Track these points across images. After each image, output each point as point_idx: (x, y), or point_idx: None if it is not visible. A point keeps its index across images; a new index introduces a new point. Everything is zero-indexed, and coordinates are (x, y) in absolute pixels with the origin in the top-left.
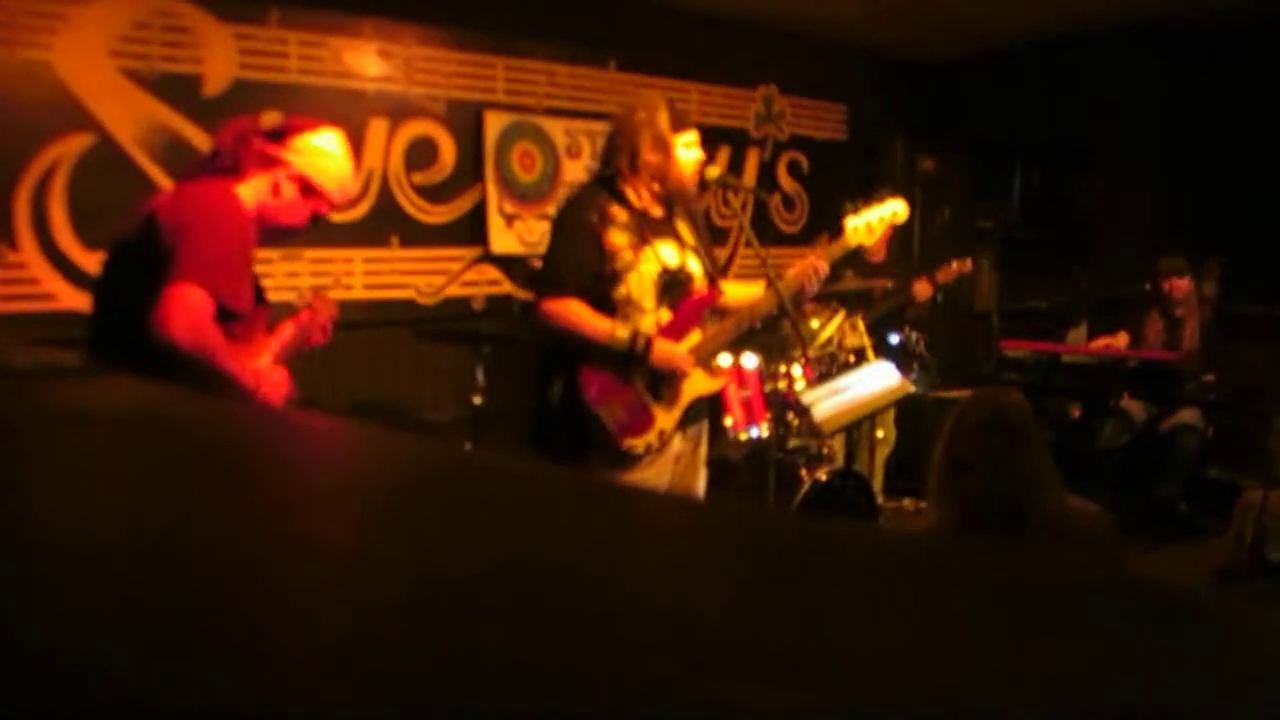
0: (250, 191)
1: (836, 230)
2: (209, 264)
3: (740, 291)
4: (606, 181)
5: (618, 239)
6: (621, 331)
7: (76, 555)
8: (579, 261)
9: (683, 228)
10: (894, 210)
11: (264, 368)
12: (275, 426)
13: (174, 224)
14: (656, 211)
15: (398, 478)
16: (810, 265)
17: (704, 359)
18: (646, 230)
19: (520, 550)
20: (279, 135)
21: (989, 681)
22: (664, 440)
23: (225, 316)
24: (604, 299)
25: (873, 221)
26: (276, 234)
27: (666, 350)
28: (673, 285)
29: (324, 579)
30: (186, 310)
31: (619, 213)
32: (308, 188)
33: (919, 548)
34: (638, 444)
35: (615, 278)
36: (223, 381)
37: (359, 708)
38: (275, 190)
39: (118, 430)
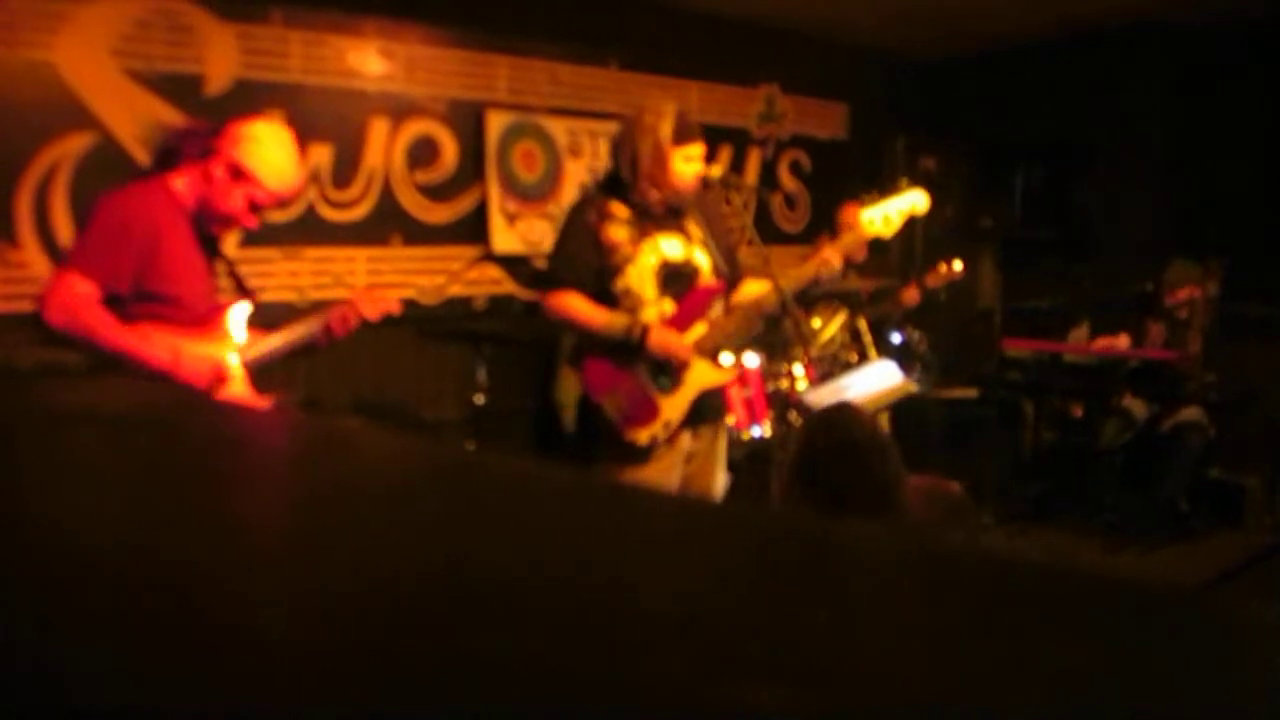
0: (184, 183)
1: (835, 229)
2: (91, 252)
3: (749, 289)
4: (611, 180)
5: (617, 234)
6: (618, 320)
7: (73, 555)
8: (576, 258)
9: (692, 223)
10: (914, 202)
11: (190, 351)
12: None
13: (86, 219)
14: (659, 208)
15: (398, 478)
16: (822, 258)
17: (710, 351)
18: (649, 224)
19: (520, 550)
20: (217, 128)
21: (990, 681)
22: (670, 432)
23: (134, 300)
24: (605, 292)
25: (891, 214)
26: (220, 222)
27: (662, 337)
28: (676, 278)
29: (321, 578)
30: (59, 295)
31: (619, 210)
32: (237, 171)
33: (920, 549)
34: (642, 435)
35: (615, 271)
36: (116, 359)
37: (354, 708)
38: (207, 177)
39: (118, 430)
